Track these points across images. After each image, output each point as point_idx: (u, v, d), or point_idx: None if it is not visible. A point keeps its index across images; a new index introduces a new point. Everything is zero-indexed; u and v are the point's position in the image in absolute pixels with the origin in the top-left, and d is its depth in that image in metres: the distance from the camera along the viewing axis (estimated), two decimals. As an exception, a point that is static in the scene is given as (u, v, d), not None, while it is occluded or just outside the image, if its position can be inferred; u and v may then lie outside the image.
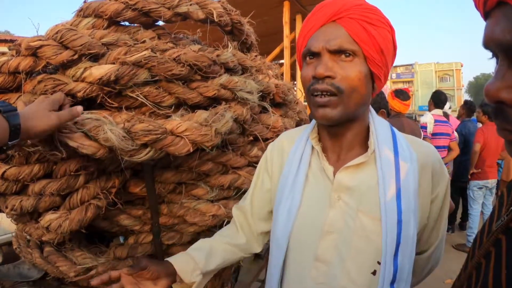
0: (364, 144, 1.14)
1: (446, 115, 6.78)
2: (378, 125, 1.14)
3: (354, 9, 1.03)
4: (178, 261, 1.27)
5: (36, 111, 1.08)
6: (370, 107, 1.17)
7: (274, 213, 1.21)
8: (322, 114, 1.04)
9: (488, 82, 0.59)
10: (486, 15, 0.61)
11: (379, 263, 1.02)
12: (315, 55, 1.05)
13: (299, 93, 3.02)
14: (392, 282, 1.01)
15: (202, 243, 1.35)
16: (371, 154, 1.09)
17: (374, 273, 1.03)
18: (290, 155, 1.22)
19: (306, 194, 1.15)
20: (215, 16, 1.50)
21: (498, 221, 0.75)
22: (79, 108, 1.15)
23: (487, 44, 0.60)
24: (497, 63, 0.60)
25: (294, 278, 1.14)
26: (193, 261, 1.26)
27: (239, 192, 1.67)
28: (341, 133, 1.13)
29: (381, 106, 3.93)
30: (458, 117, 7.50)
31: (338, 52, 1.02)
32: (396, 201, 1.02)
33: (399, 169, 1.06)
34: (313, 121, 1.23)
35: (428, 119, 5.50)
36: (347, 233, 1.06)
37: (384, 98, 4.26)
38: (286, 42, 7.54)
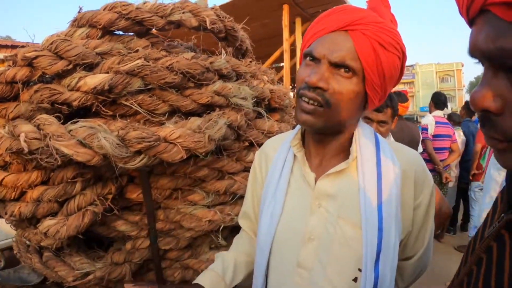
0: (347, 151, 1.12)
1: (457, 116, 6.78)
2: (362, 132, 1.12)
3: (370, 26, 0.98)
4: (209, 281, 1.24)
5: None
6: None
7: (258, 219, 1.21)
8: (304, 119, 1.02)
9: (474, 90, 0.59)
10: (471, 23, 0.60)
11: (360, 270, 1.02)
12: (315, 59, 1.02)
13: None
14: None
15: (227, 258, 1.33)
16: (353, 161, 1.08)
17: (355, 280, 1.03)
18: (273, 162, 1.21)
19: (288, 201, 1.14)
20: (208, 23, 1.52)
21: (490, 228, 0.74)
22: None
23: (472, 53, 0.59)
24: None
25: (277, 284, 1.14)
26: (224, 283, 1.25)
27: (235, 197, 1.68)
28: (325, 140, 1.12)
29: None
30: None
31: (338, 65, 0.99)
32: (376, 209, 1.02)
33: (381, 177, 1.05)
34: (297, 127, 1.22)
35: (429, 120, 5.50)
36: (327, 240, 1.06)
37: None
38: (285, 46, 7.53)
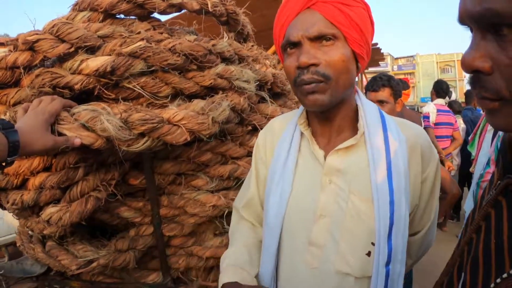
0: (353, 126, 1.14)
1: (458, 104, 6.75)
2: (367, 107, 1.14)
3: None
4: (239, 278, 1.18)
5: (33, 130, 1.10)
6: (358, 89, 1.18)
7: (265, 200, 1.20)
8: (312, 100, 1.03)
9: (464, 53, 0.62)
10: None
11: (373, 244, 1.03)
12: (296, 45, 1.05)
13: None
14: (387, 263, 1.01)
15: (240, 251, 1.26)
16: (361, 137, 1.10)
17: (368, 254, 1.04)
18: (280, 141, 1.21)
19: (297, 180, 1.14)
20: (209, 6, 1.51)
21: (488, 197, 0.76)
22: (77, 141, 1.16)
23: (461, 19, 0.63)
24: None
25: (288, 264, 1.14)
26: (250, 276, 1.18)
27: (238, 182, 1.67)
28: (330, 116, 1.13)
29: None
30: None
31: (318, 38, 1.02)
32: (387, 182, 1.03)
33: (389, 150, 1.06)
34: (302, 106, 1.22)
35: (430, 108, 5.48)
36: (340, 216, 1.07)
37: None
38: (285, 36, 7.52)
